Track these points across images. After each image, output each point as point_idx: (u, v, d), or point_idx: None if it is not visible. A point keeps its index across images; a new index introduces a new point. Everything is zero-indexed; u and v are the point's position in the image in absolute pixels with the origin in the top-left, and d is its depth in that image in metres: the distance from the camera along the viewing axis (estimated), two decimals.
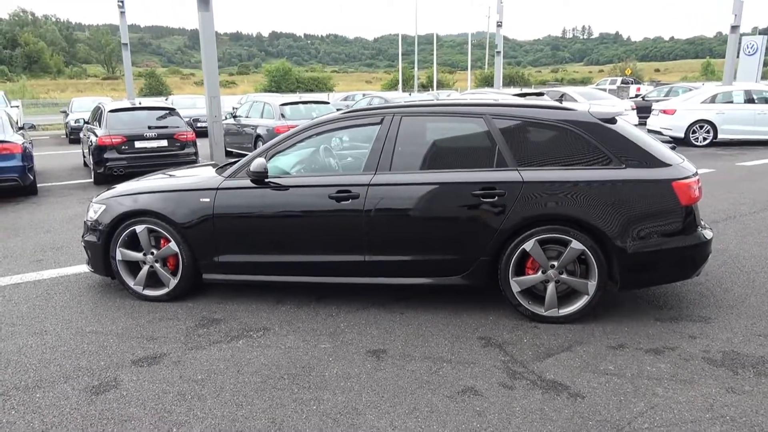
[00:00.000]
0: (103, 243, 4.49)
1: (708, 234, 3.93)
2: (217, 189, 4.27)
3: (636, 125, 15.99)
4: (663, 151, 3.97)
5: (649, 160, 3.80)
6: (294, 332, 3.88)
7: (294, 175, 4.31)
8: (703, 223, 4.12)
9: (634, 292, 4.38)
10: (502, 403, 2.95)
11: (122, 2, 20.26)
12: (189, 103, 20.86)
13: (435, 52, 42.93)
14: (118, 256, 4.47)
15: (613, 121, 3.97)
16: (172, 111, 10.62)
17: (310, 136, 4.32)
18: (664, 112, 14.29)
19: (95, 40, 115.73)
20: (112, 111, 10.00)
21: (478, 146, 4.03)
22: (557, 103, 4.18)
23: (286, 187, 4.17)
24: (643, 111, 16.53)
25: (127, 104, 10.77)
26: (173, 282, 4.41)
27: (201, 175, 4.60)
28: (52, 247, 6.19)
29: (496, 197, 3.82)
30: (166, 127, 10.15)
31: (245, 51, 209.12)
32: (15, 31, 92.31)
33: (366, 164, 4.10)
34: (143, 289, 4.48)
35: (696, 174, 3.90)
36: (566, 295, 3.92)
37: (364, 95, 21.05)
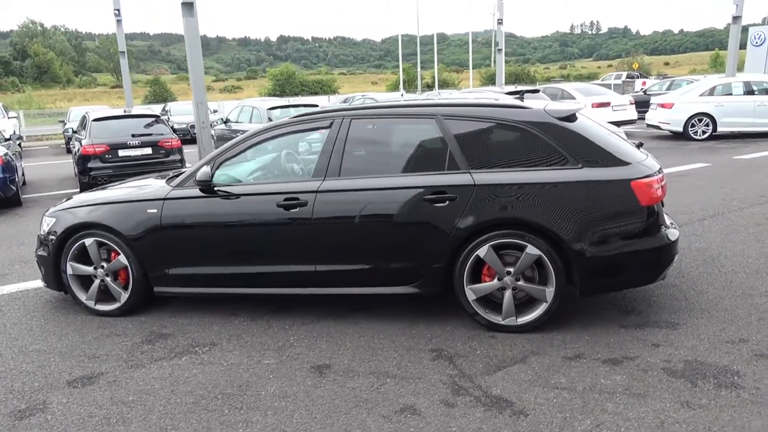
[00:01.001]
0: (53, 257, 4.37)
1: (673, 234, 3.73)
2: (164, 199, 4.13)
3: (634, 120, 15.76)
4: (623, 148, 3.77)
5: (607, 158, 3.60)
6: (241, 347, 3.73)
7: (243, 183, 4.16)
8: (669, 222, 3.92)
9: (603, 296, 4.18)
10: (440, 422, 2.77)
11: (118, 11, 20.27)
12: (188, 109, 20.81)
13: (435, 51, 42.68)
14: (69, 270, 4.35)
15: (570, 119, 3.78)
16: (157, 118, 10.55)
17: (258, 143, 4.17)
18: (662, 106, 13.97)
19: (104, 49, 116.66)
20: (95, 120, 9.94)
21: (430, 148, 3.86)
22: (513, 101, 4.00)
23: (234, 196, 4.02)
24: (644, 105, 16.20)
25: (111, 112, 10.71)
26: (124, 296, 4.28)
27: (151, 185, 4.47)
28: (21, 261, 6.10)
29: (447, 202, 3.65)
30: (150, 134, 10.07)
31: (254, 56, 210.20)
32: (25, 42, 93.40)
33: (315, 170, 3.94)
34: (95, 304, 4.35)
35: (658, 172, 3.70)
36: (526, 302, 3.74)
37: (362, 96, 20.92)
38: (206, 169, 3.99)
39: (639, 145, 4.22)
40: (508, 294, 3.68)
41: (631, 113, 15.39)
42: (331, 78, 60.48)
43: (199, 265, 4.12)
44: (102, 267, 4.30)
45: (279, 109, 11.84)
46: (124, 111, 11.14)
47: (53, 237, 4.35)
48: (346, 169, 3.88)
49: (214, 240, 4.08)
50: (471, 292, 3.72)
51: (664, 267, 3.67)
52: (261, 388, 3.20)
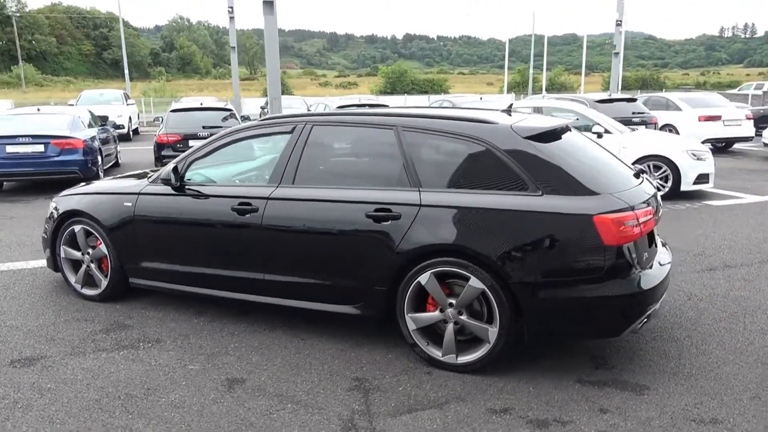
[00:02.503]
0: (51, 240, 4.66)
1: (649, 281, 3.15)
2: (139, 194, 4.23)
3: (749, 138, 13.91)
4: (599, 176, 3.26)
5: (572, 187, 3.12)
6: (180, 348, 3.71)
7: (208, 183, 4.14)
8: (658, 262, 3.33)
9: (581, 341, 3.66)
10: None
11: (231, 8, 21.51)
12: (288, 104, 21.57)
13: (545, 53, 40.68)
14: (62, 254, 4.61)
15: (542, 138, 3.33)
16: (231, 113, 11.02)
17: (226, 144, 4.14)
18: None
19: (240, 44, 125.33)
20: (172, 111, 10.59)
21: (385, 161, 3.60)
22: (480, 114, 3.60)
23: (198, 196, 4.02)
24: (765, 121, 14.29)
25: (187, 105, 11.33)
26: (104, 283, 4.46)
27: (136, 179, 4.61)
28: None
29: (390, 221, 3.37)
30: (220, 127, 10.51)
31: (379, 53, 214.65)
32: (173, 36, 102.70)
33: (271, 176, 3.83)
34: (81, 287, 4.58)
35: (639, 206, 3.14)
36: (472, 340, 3.36)
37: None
38: (170, 167, 4.02)
39: (639, 173, 3.65)
40: (449, 328, 3.33)
41: (747, 129, 13.63)
42: (442, 78, 60.11)
43: (167, 262, 4.17)
44: (88, 253, 4.51)
45: (348, 108, 11.87)
46: (201, 104, 11.76)
47: (52, 221, 4.64)
48: (301, 177, 3.72)
49: (179, 238, 4.11)
50: (411, 321, 3.41)
51: (632, 320, 3.12)
52: (165, 394, 3.15)
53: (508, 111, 3.96)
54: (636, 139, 8.51)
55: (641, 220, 3.12)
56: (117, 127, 16.77)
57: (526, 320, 3.16)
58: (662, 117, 13.98)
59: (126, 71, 30.46)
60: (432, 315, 3.38)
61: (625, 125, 11.21)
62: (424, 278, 3.31)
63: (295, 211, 3.66)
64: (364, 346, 3.69)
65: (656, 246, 3.60)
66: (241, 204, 3.80)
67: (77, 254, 4.56)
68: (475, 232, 3.19)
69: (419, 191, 3.37)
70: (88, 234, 4.48)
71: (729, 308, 4.24)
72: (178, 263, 4.12)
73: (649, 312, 3.16)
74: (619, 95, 14.15)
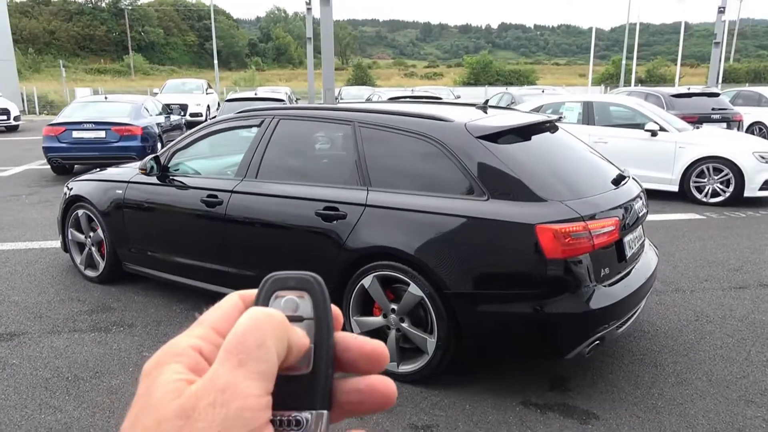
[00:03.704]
0: (60, 222, 4.95)
1: (602, 300, 2.83)
2: (128, 182, 4.39)
3: None
4: (555, 181, 2.98)
5: (520, 192, 2.87)
6: (147, 334, 3.82)
7: (187, 174, 4.20)
8: (612, 280, 2.98)
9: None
10: None
11: (309, 0, 21.96)
12: (360, 95, 21.70)
13: (636, 43, 37.89)
14: (69, 236, 4.89)
15: (497, 137, 3.08)
16: (282, 102, 11.23)
17: (205, 135, 4.19)
18: None
19: (334, 34, 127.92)
20: (227, 100, 10.96)
21: (341, 157, 3.49)
22: (436, 110, 3.38)
23: (174, 186, 4.10)
24: None
25: (244, 95, 11.67)
26: (101, 266, 4.68)
27: (131, 168, 4.77)
28: None
29: (336, 220, 3.26)
30: None
31: (473, 43, 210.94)
32: (269, 27, 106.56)
33: (238, 169, 3.83)
34: (85, 268, 4.84)
35: (583, 218, 2.80)
36: (416, 348, 3.19)
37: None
38: (150, 157, 4.13)
39: (620, 177, 3.30)
40: (391, 335, 3.18)
41: None
42: (529, 68, 57.97)
43: (149, 249, 4.31)
44: (90, 237, 4.75)
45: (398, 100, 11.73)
46: (255, 93, 12.07)
47: (62, 204, 4.92)
48: (263, 171, 3.69)
49: (158, 227, 4.23)
50: (356, 325, 3.29)
51: (577, 342, 2.82)
52: (108, 379, 3.25)
53: (484, 107, 3.70)
54: (696, 137, 7.75)
55: (596, 231, 2.80)
56: (194, 114, 17.59)
57: (465, 334, 2.95)
58: (752, 114, 12.71)
59: (215, 61, 31.99)
60: (376, 320, 3.24)
61: (703, 122, 10.31)
62: (367, 281, 3.18)
63: (252, 205, 3.64)
64: None
65: (636, 258, 3.25)
66: (209, 196, 3.83)
67: (81, 237, 4.81)
68: (416, 237, 3.01)
69: (367, 190, 3.23)
70: (90, 219, 4.72)
71: (739, 334, 3.76)
72: (158, 251, 4.24)
73: (601, 334, 2.84)
74: (703, 89, 12.96)
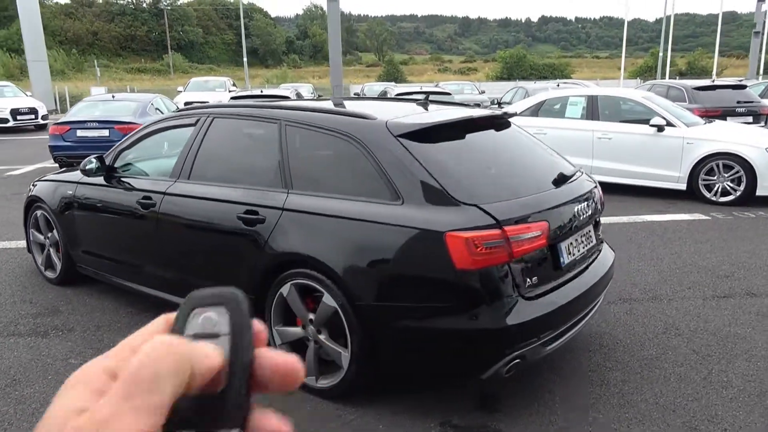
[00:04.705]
0: (24, 223, 4.94)
1: (522, 315, 2.56)
2: (78, 183, 4.31)
3: None
4: (476, 183, 2.73)
5: (436, 195, 2.63)
6: (83, 339, 3.74)
7: (130, 175, 4.09)
8: (539, 292, 2.71)
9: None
10: None
11: None
12: (376, 90, 21.42)
13: (664, 32, 36.15)
14: (30, 237, 4.87)
15: (417, 135, 2.84)
16: (287, 99, 11.14)
17: (147, 135, 4.08)
18: None
19: (371, 31, 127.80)
20: (232, 98, 10.92)
21: (268, 158, 3.30)
22: (360, 108, 3.16)
23: (119, 187, 4.00)
24: None
25: (248, 93, 11.62)
26: (58, 267, 4.64)
27: None
28: None
29: (256, 224, 3.09)
30: None
31: (512, 37, 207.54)
32: (306, 24, 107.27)
33: (173, 170, 3.69)
34: (45, 270, 4.81)
35: (500, 224, 2.53)
36: (334, 362, 2.99)
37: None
38: (91, 157, 4.04)
39: (563, 177, 3.01)
40: (310, 347, 2.99)
41: None
42: (564, 62, 56.35)
43: (94, 250, 4.23)
44: (48, 237, 4.71)
45: (407, 95, 11.49)
46: (261, 91, 12.01)
47: (24, 204, 4.90)
48: (195, 172, 3.55)
49: (101, 228, 4.16)
50: (278, 335, 3.12)
51: (494, 360, 2.56)
52: (24, 387, 3.17)
53: (425, 103, 3.45)
54: (705, 132, 7.25)
55: (517, 238, 2.54)
56: None
57: (379, 349, 2.73)
58: None
59: (245, 59, 32.26)
60: (296, 331, 3.06)
61: (727, 116, 9.72)
62: (285, 289, 3.00)
63: (182, 208, 3.50)
64: None
65: (579, 264, 2.97)
66: (144, 198, 3.71)
67: (41, 237, 4.78)
68: (329, 244, 2.81)
69: (287, 193, 3.05)
70: (47, 219, 4.68)
71: (706, 349, 3.41)
72: (103, 253, 4.16)
73: (521, 352, 2.58)
74: (728, 82, 12.24)
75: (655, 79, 34.81)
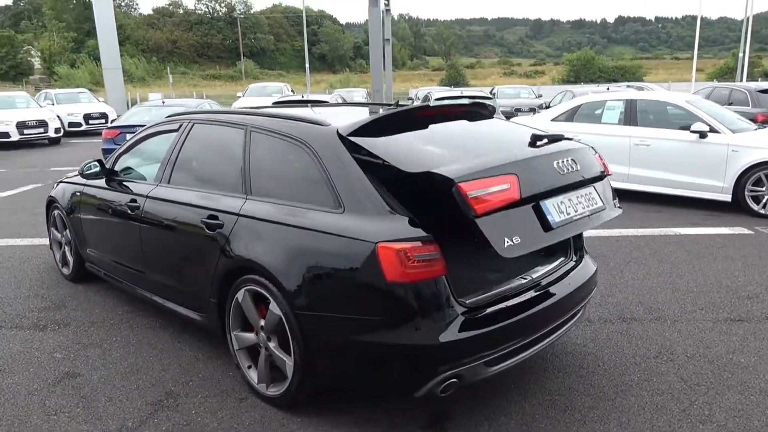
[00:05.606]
0: (46, 221, 5.23)
1: (458, 333, 2.43)
2: (84, 185, 4.51)
3: None
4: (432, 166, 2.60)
5: (373, 203, 2.55)
6: (75, 335, 3.89)
7: (130, 178, 4.23)
8: (473, 309, 2.54)
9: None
10: None
11: (388, 1, 21.98)
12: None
13: (743, 31, 33.35)
14: (50, 234, 5.15)
15: (361, 133, 2.75)
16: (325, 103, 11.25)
17: (141, 139, 4.21)
18: None
19: (439, 35, 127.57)
20: (273, 104, 11.12)
21: (233, 163, 3.30)
22: (316, 113, 3.10)
23: (114, 190, 4.15)
24: None
25: (289, 98, 11.80)
26: (72, 264, 4.88)
27: None
28: None
29: (215, 229, 3.11)
30: None
31: (586, 38, 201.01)
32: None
33: (157, 174, 3.79)
34: (62, 266, 5.07)
35: (428, 237, 2.40)
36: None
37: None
38: (90, 160, 4.22)
39: (534, 142, 2.84)
40: (262, 354, 2.98)
41: None
42: (637, 64, 53.70)
43: (95, 250, 4.42)
44: (64, 236, 4.96)
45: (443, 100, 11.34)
46: (302, 96, 12.17)
47: (46, 204, 5.19)
48: (175, 176, 3.63)
49: (98, 229, 4.33)
50: (235, 340, 3.12)
51: (426, 378, 2.43)
52: (5, 378, 3.33)
53: (395, 105, 3.36)
54: (752, 140, 6.68)
55: (473, 194, 2.36)
56: None
57: (316, 360, 2.68)
58: None
59: (307, 65, 32.99)
60: (250, 337, 3.05)
61: None
62: (240, 295, 3.00)
63: (159, 211, 3.58)
64: (221, 358, 3.48)
65: (545, 276, 2.80)
66: (131, 201, 3.83)
67: (58, 236, 5.05)
68: (274, 251, 2.79)
69: (245, 199, 3.05)
70: (62, 219, 4.93)
71: (697, 378, 3.12)
72: (101, 252, 4.34)
73: (457, 371, 2.44)
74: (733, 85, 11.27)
75: (734, 81, 32.65)
